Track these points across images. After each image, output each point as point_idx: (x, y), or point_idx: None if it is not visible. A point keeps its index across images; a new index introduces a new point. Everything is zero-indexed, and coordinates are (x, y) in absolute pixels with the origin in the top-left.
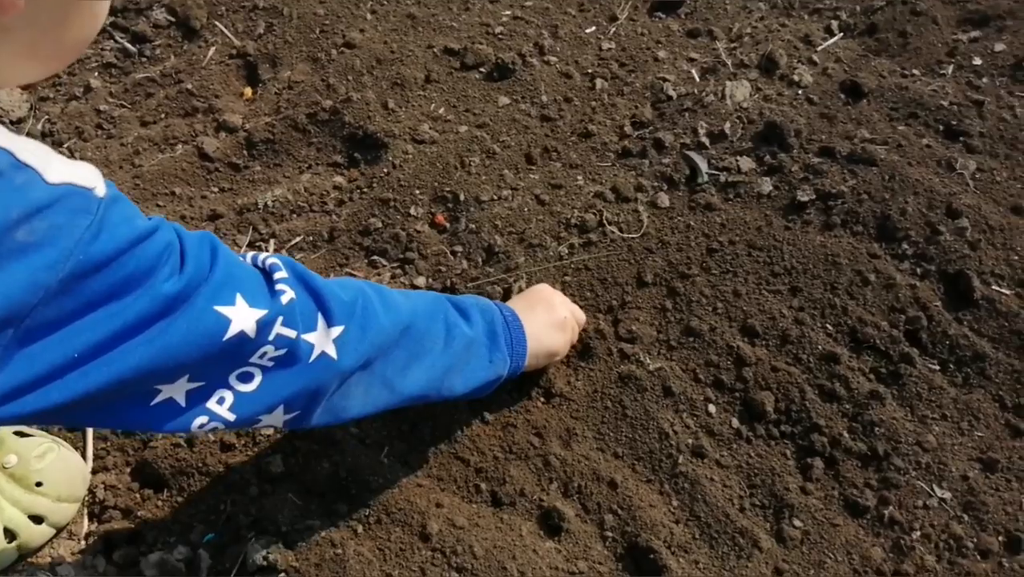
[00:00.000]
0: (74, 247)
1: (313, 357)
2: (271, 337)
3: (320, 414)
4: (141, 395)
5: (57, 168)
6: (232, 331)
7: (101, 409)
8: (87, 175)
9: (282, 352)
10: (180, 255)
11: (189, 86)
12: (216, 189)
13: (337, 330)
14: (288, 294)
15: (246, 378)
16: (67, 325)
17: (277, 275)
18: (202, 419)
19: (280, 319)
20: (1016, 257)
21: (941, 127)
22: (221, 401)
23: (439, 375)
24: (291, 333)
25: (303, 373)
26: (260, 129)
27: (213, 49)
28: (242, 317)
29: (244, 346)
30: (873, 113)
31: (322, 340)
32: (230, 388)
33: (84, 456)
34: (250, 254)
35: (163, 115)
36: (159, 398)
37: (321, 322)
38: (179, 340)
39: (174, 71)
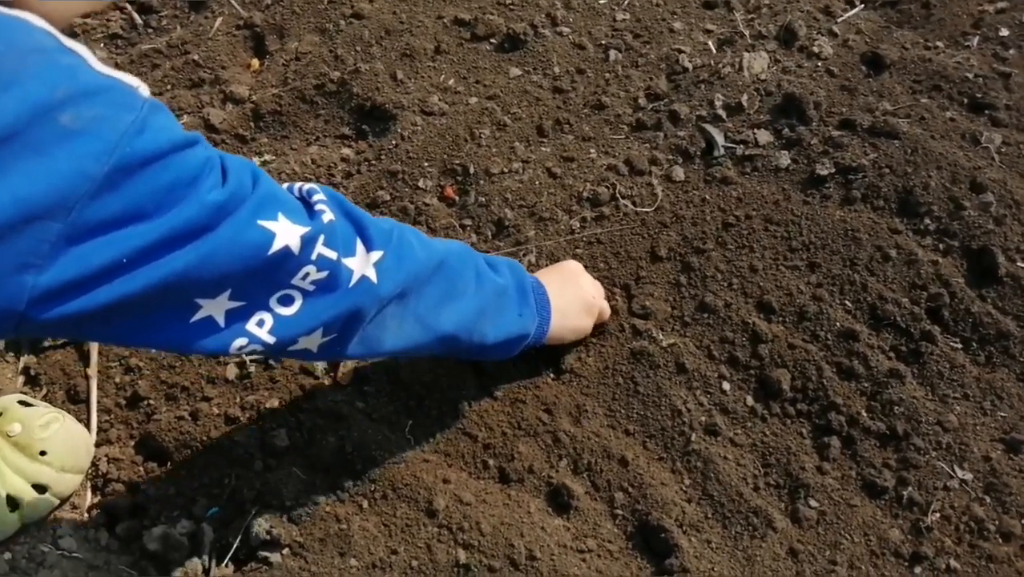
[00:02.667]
0: (119, 140)
1: (353, 281)
2: (314, 256)
3: (356, 344)
4: (182, 308)
5: (101, 65)
6: (276, 245)
7: (142, 320)
8: (130, 77)
9: (324, 275)
10: (222, 171)
11: (195, 57)
12: None
13: (377, 255)
14: (328, 215)
15: (287, 301)
16: (115, 229)
17: (316, 198)
18: (241, 340)
19: (322, 237)
20: None
21: (966, 100)
22: (261, 324)
23: (471, 317)
24: (332, 254)
25: (345, 297)
26: (267, 100)
27: (220, 20)
28: (286, 232)
29: (288, 262)
30: (895, 85)
31: (362, 264)
32: (270, 311)
33: (88, 428)
34: (286, 184)
35: (169, 86)
36: (199, 315)
37: (360, 246)
38: (225, 250)
39: (180, 42)
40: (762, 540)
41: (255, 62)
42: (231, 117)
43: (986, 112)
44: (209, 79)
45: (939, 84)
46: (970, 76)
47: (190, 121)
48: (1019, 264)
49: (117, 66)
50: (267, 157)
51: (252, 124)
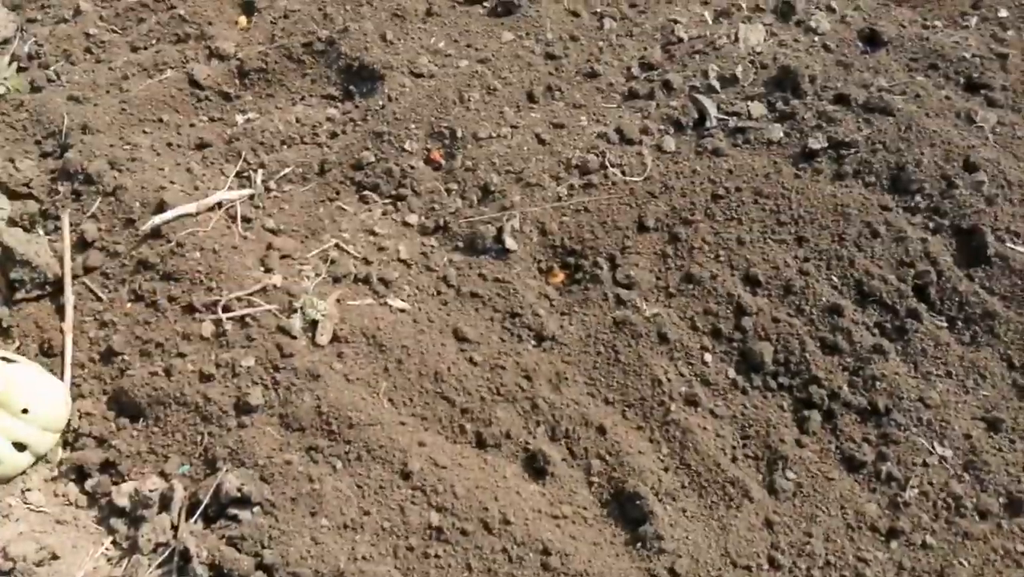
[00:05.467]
0: None
1: None
2: None
3: None
4: None
5: None
6: None
7: None
8: None
9: None
10: None
11: (182, 12)
12: (205, 118)
13: None
14: None
15: None
16: None
17: None
18: None
19: None
20: None
21: (962, 79)
22: None
23: None
24: None
25: None
26: (253, 58)
27: None
28: None
29: None
30: (892, 62)
31: None
32: None
33: (62, 382)
34: None
35: (154, 40)
36: None
37: None
38: None
39: None
40: (738, 510)
41: (243, 19)
42: (216, 73)
43: (982, 92)
44: (195, 34)
45: (936, 63)
46: (967, 56)
47: (174, 76)
48: (1009, 245)
49: (102, 19)
50: (251, 115)
51: (237, 81)
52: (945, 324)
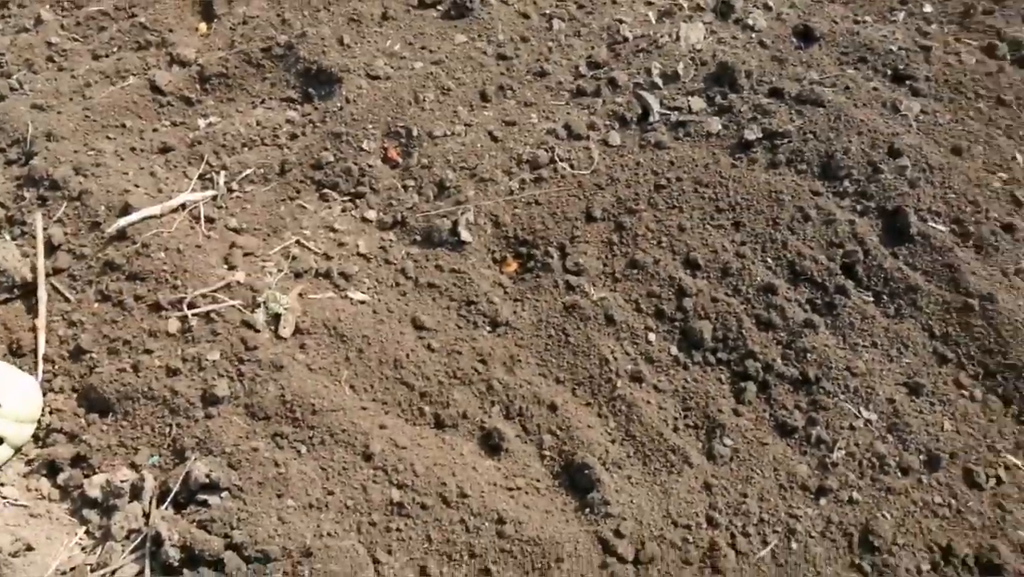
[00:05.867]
0: None
1: None
2: None
3: None
4: None
5: None
6: None
7: None
8: None
9: None
10: None
11: (143, 20)
12: (168, 122)
13: None
14: None
15: None
16: None
17: None
18: None
19: None
20: (953, 195)
21: (889, 71)
22: None
23: None
24: None
25: None
26: (213, 63)
27: None
28: None
29: None
30: (824, 57)
31: None
32: None
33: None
34: None
35: (115, 48)
36: None
37: None
38: None
39: (128, 4)
40: (679, 475)
41: (203, 25)
42: (177, 79)
43: (907, 83)
44: (156, 41)
45: (865, 56)
46: (894, 49)
47: (136, 83)
48: (930, 224)
49: (63, 28)
50: (213, 119)
51: (198, 86)
52: (871, 299)
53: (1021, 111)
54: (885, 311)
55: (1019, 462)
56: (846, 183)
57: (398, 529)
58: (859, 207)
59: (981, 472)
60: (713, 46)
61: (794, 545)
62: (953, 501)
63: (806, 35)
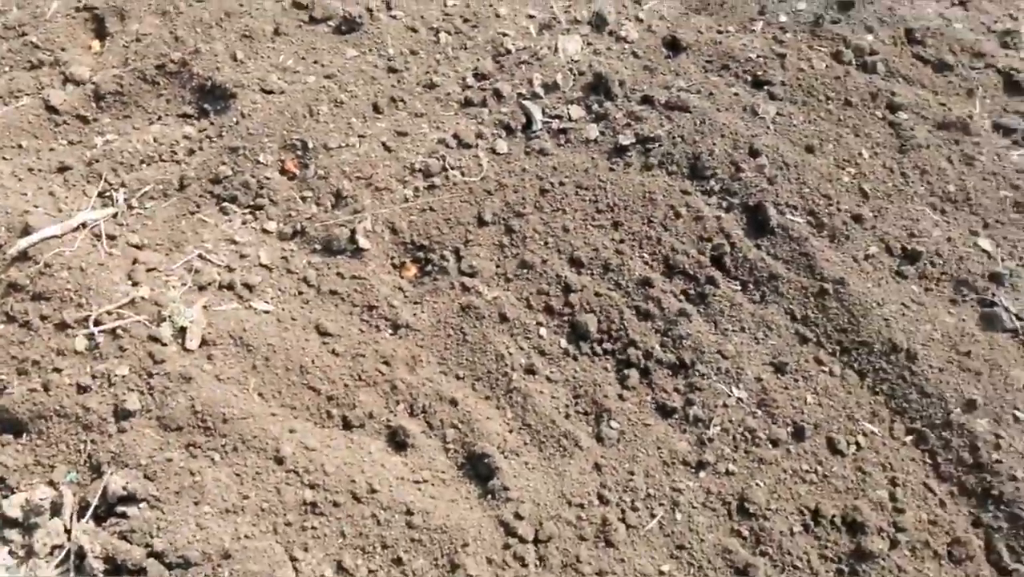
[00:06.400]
0: None
1: None
2: None
3: None
4: None
5: None
6: None
7: None
8: None
9: None
10: None
11: (34, 39)
12: (64, 141)
13: None
14: None
15: None
16: None
17: None
18: None
19: None
20: (807, 190)
21: (749, 77)
22: None
23: None
24: None
25: None
26: (108, 81)
27: (58, 2)
28: None
29: None
30: (690, 65)
31: None
32: None
33: None
34: None
35: (7, 68)
36: None
37: None
38: None
39: (17, 23)
40: (571, 458)
41: (96, 43)
42: (72, 98)
43: (765, 87)
44: (49, 61)
45: (727, 64)
46: (753, 56)
47: (30, 103)
48: (788, 217)
49: None
50: (110, 136)
51: (94, 104)
52: (739, 287)
53: (866, 111)
54: (751, 298)
55: (875, 429)
56: (712, 182)
57: (313, 527)
58: (724, 203)
59: (842, 440)
60: (590, 57)
61: (679, 516)
62: (819, 467)
63: (674, 45)
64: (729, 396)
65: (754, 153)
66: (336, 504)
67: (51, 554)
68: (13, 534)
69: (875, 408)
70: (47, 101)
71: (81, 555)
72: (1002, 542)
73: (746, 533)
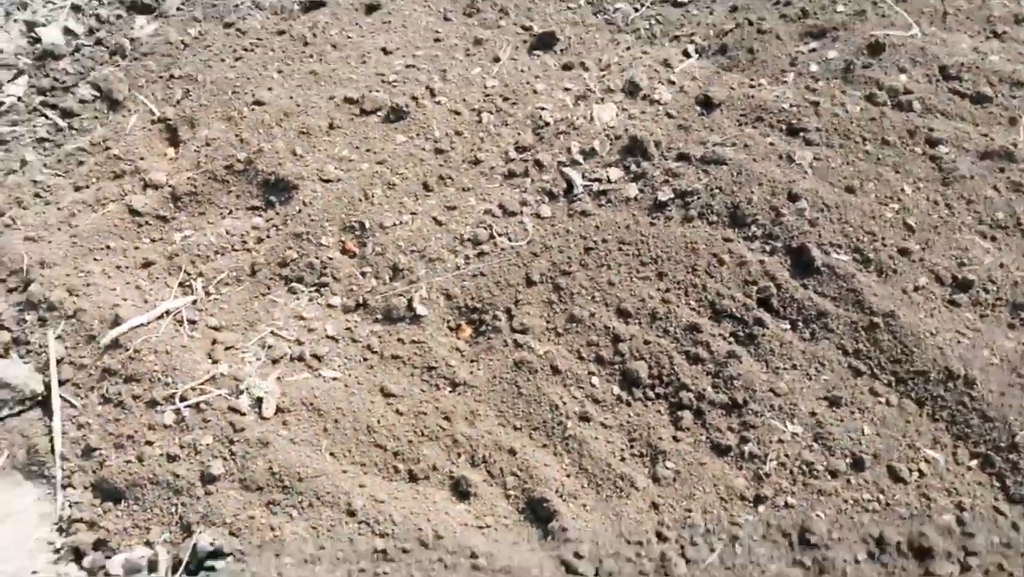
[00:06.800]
0: None
1: None
2: None
3: None
4: None
5: None
6: None
7: None
8: None
9: None
10: None
11: (116, 152)
12: (147, 240)
13: None
14: None
15: None
16: None
17: None
18: None
19: None
20: (851, 228)
21: (784, 126)
22: None
23: None
24: None
25: None
26: (183, 184)
27: (135, 117)
28: None
29: None
30: (724, 120)
31: None
32: None
33: (54, 479)
34: None
35: (94, 179)
36: None
37: None
38: None
39: (102, 139)
40: (627, 499)
41: (171, 151)
42: (152, 201)
43: (800, 134)
44: (130, 170)
45: (761, 115)
46: (786, 106)
47: (115, 208)
48: (832, 256)
49: (46, 167)
50: (187, 232)
51: (172, 205)
52: (788, 327)
53: (905, 149)
54: (801, 336)
55: (938, 456)
56: (753, 228)
57: (384, 572)
58: (767, 248)
59: (903, 468)
60: (625, 121)
61: (738, 549)
62: (881, 496)
63: (707, 103)
64: (784, 431)
65: (793, 197)
66: (405, 550)
67: None
68: None
69: (936, 435)
70: (130, 205)
71: None
72: None
73: (808, 563)
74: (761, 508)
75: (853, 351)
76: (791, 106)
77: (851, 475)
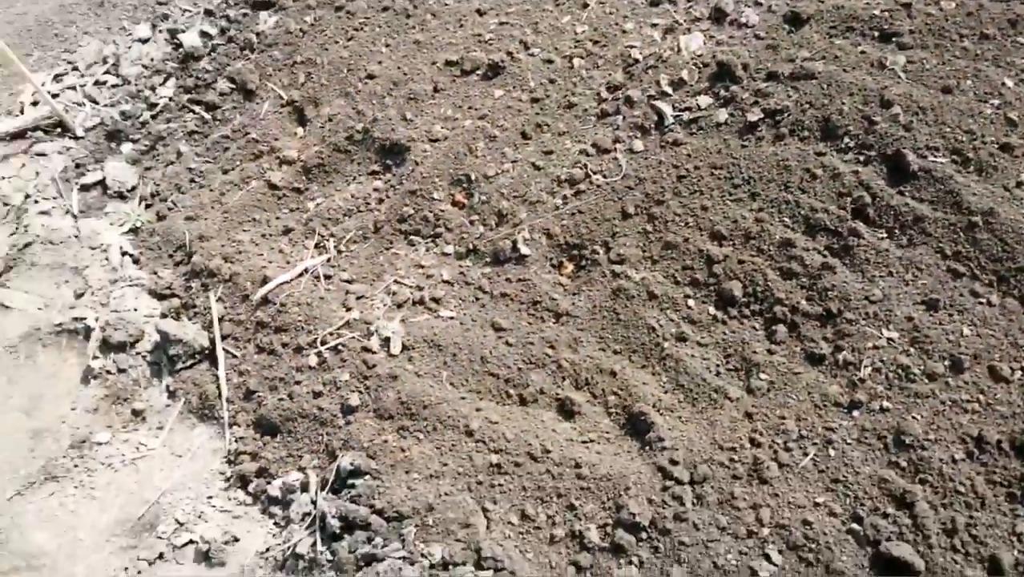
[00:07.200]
0: None
1: None
2: None
3: None
4: None
5: None
6: None
7: None
8: None
9: None
10: None
11: (254, 135)
12: (286, 210)
13: None
14: None
15: None
16: None
17: None
18: None
19: None
20: (948, 129)
21: (876, 33)
22: None
23: None
24: None
25: None
26: (311, 157)
27: (267, 103)
28: None
29: None
30: (813, 35)
31: None
32: None
33: (223, 421)
34: None
35: (238, 161)
36: None
37: None
38: None
39: (241, 126)
40: (721, 409)
41: (300, 130)
42: (287, 175)
43: (893, 40)
44: (266, 150)
45: (852, 25)
46: (877, 12)
47: (256, 185)
48: (929, 159)
49: (197, 155)
50: (319, 200)
51: (304, 177)
52: (885, 235)
53: (1006, 40)
54: (898, 243)
55: None
56: (846, 140)
57: (500, 484)
58: (861, 158)
59: (1006, 367)
60: (712, 49)
61: (832, 453)
62: (981, 396)
63: (795, 20)
64: (879, 337)
65: (886, 104)
66: (517, 464)
67: (302, 520)
68: (276, 509)
69: None
70: (269, 181)
71: (323, 517)
72: None
73: (904, 464)
74: (856, 413)
75: (952, 253)
76: (882, 11)
77: (950, 377)
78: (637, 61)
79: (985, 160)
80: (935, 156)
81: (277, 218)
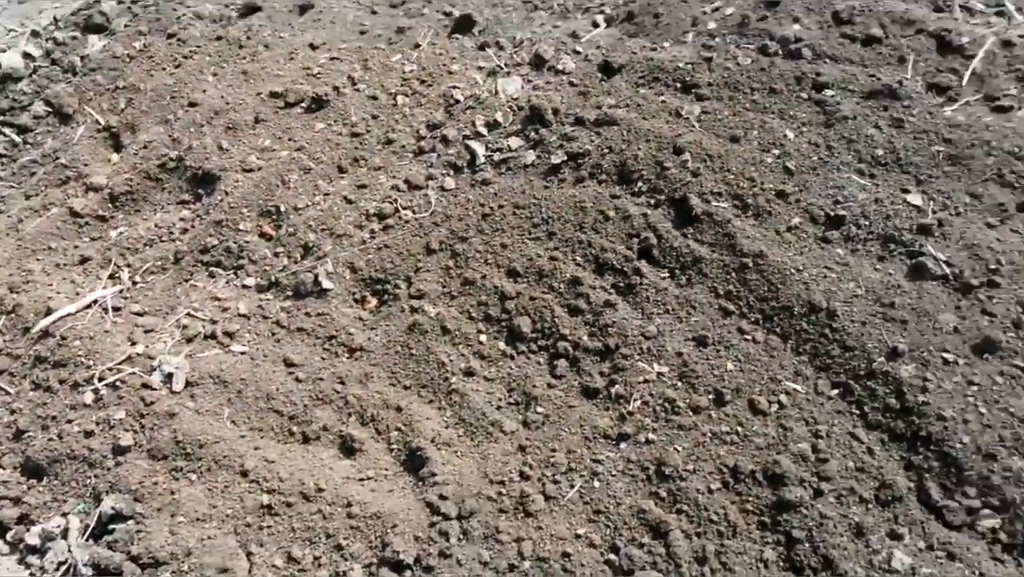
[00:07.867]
0: None
1: None
2: None
3: None
4: None
5: None
6: None
7: None
8: None
9: None
10: None
11: (63, 160)
12: (87, 239)
13: None
14: None
15: None
16: None
17: None
18: None
19: None
20: (732, 176)
21: (678, 84)
22: None
23: None
24: None
25: None
26: (120, 185)
27: (83, 128)
28: None
29: None
30: (622, 84)
31: None
32: None
33: None
34: None
35: (43, 187)
36: None
37: None
38: None
39: (52, 151)
40: (496, 443)
41: (114, 156)
42: (91, 203)
43: (692, 91)
44: (74, 176)
45: (657, 76)
46: (681, 65)
47: (58, 212)
48: (712, 204)
49: (1, 180)
50: (122, 229)
51: (110, 205)
52: (666, 274)
53: (791, 95)
54: (677, 282)
55: (799, 388)
56: (639, 183)
57: (268, 526)
58: (652, 201)
59: (764, 400)
60: (528, 93)
61: (597, 484)
62: (740, 428)
63: (607, 69)
64: (650, 372)
65: (678, 151)
66: (289, 504)
67: (56, 569)
68: (33, 559)
69: (798, 368)
70: (71, 208)
71: (75, 566)
72: (933, 481)
73: (664, 494)
74: (623, 445)
75: (724, 292)
76: (686, 64)
77: (712, 410)
78: (458, 101)
79: (762, 205)
80: (718, 201)
81: (75, 247)
